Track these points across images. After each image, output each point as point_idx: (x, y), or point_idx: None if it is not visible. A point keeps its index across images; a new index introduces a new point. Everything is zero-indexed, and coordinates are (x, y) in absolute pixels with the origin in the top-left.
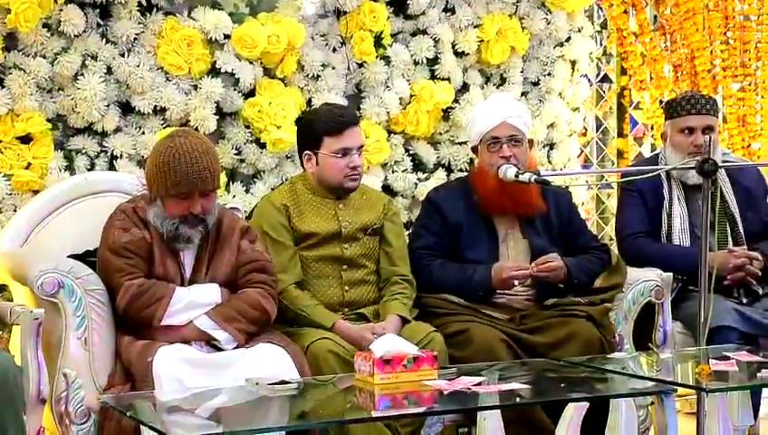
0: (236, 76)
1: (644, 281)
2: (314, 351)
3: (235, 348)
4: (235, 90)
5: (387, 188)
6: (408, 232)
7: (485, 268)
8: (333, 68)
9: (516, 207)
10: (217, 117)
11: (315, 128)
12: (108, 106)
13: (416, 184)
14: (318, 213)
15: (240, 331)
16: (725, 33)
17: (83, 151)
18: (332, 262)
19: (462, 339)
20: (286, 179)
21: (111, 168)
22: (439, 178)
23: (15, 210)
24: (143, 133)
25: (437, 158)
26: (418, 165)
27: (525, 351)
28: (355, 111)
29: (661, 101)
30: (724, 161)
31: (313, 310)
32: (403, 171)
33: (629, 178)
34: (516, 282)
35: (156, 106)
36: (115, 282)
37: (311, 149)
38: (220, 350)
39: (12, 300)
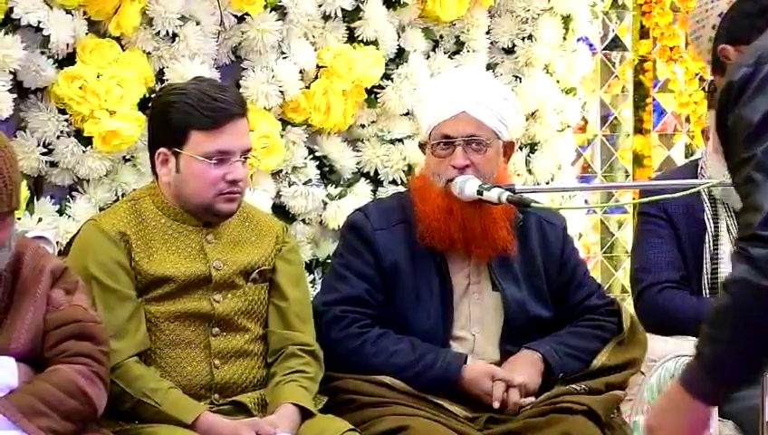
0: (45, 32)
1: (675, 357)
2: None
3: None
4: (42, 53)
5: (280, 210)
6: (312, 277)
7: (456, 356)
8: (198, 23)
9: (478, 241)
10: (14, 96)
11: (176, 116)
12: None
13: (324, 203)
14: (175, 248)
15: (47, 431)
16: None
17: None
18: (197, 322)
19: None
20: (124, 195)
21: None
22: (361, 194)
23: None
24: None
25: (359, 163)
26: (329, 174)
27: None
28: (240, 94)
29: (702, 79)
30: None
31: (165, 396)
32: (306, 183)
33: (653, 198)
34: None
35: None
36: None
37: (168, 145)
38: None
39: None
